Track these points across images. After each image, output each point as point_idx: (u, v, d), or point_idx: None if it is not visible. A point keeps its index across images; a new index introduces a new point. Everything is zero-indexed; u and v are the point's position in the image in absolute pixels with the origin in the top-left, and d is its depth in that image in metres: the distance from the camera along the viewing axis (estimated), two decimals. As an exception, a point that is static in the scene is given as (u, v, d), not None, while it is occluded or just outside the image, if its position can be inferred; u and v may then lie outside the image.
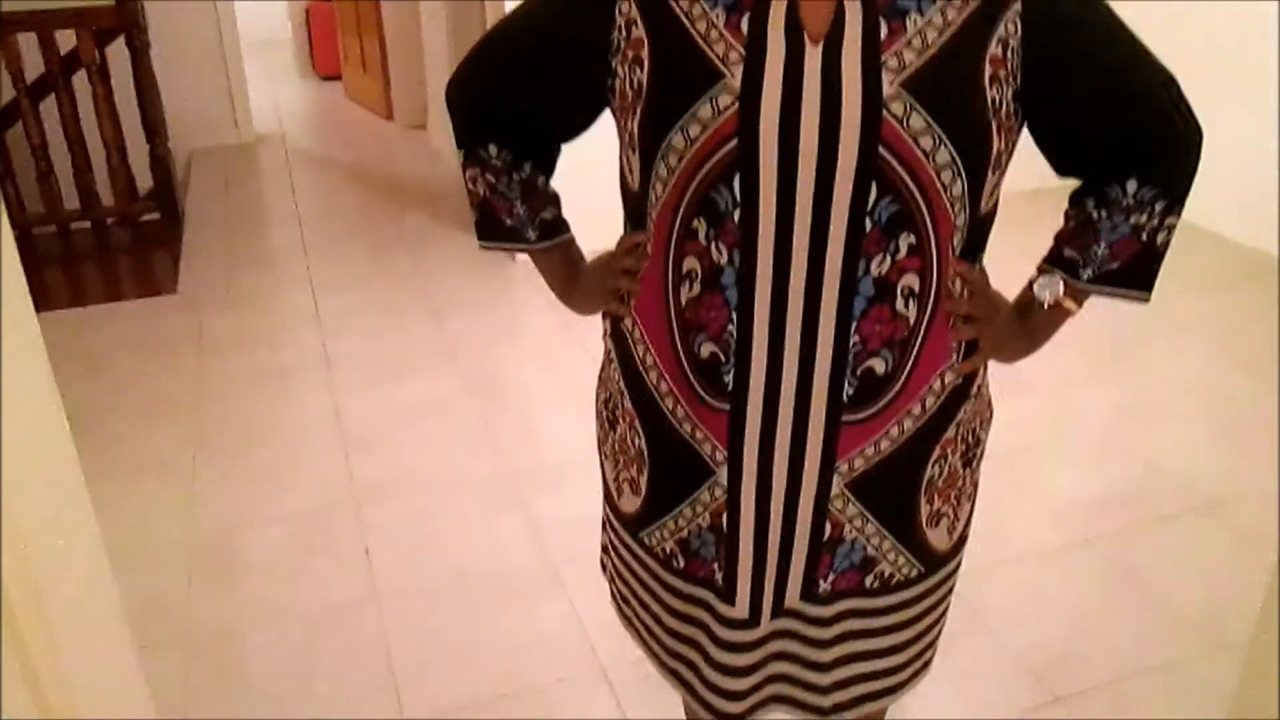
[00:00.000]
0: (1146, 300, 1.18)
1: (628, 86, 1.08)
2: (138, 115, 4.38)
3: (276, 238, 4.49)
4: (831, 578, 1.22)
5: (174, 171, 4.60)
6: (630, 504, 1.29)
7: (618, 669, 2.09)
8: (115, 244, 4.39)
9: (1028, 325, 1.23)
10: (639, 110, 1.07)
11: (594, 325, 1.30)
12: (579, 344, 3.22)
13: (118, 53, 4.27)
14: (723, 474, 1.16)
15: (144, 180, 4.45)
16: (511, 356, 3.38)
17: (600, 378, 1.32)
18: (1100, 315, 3.54)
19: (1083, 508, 2.57)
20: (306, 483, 2.74)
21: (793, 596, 1.22)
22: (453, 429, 2.96)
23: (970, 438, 1.22)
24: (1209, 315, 3.56)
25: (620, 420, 1.26)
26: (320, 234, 4.44)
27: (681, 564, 1.25)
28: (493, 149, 1.23)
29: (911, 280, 1.07)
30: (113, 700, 0.97)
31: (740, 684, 1.27)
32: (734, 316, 1.08)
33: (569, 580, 2.34)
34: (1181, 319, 3.53)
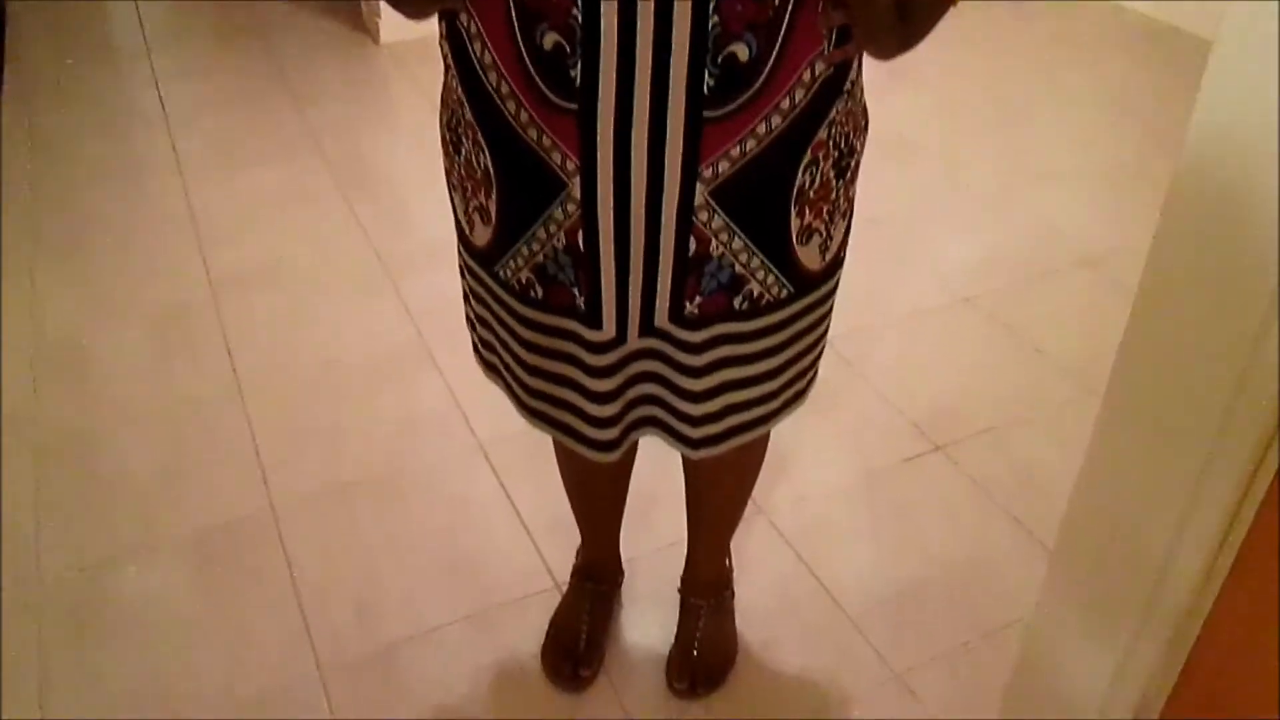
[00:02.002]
0: None
1: None
2: (-63, -109, 3.87)
3: (112, 28, 4.09)
4: (699, 300, 1.13)
5: (-11, -41, 4.12)
6: (482, 236, 1.18)
7: (496, 445, 2.03)
8: (-73, 42, 3.95)
9: (905, 15, 1.12)
10: None
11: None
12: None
13: None
14: (575, 185, 1.05)
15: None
16: (378, 142, 3.16)
17: (442, 97, 1.19)
18: (991, 81, 3.45)
19: (966, 268, 2.55)
20: (159, 279, 2.55)
21: (661, 317, 1.14)
22: (317, 217, 2.77)
23: (844, 144, 1.13)
24: (1097, 80, 3.52)
25: (464, 139, 1.14)
26: (162, 23, 4.05)
27: (540, 293, 1.16)
28: None
29: None
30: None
31: (612, 409, 1.21)
32: (579, -2, 0.95)
33: (444, 361, 2.24)
34: (1070, 85, 3.49)
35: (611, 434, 1.23)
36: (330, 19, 3.90)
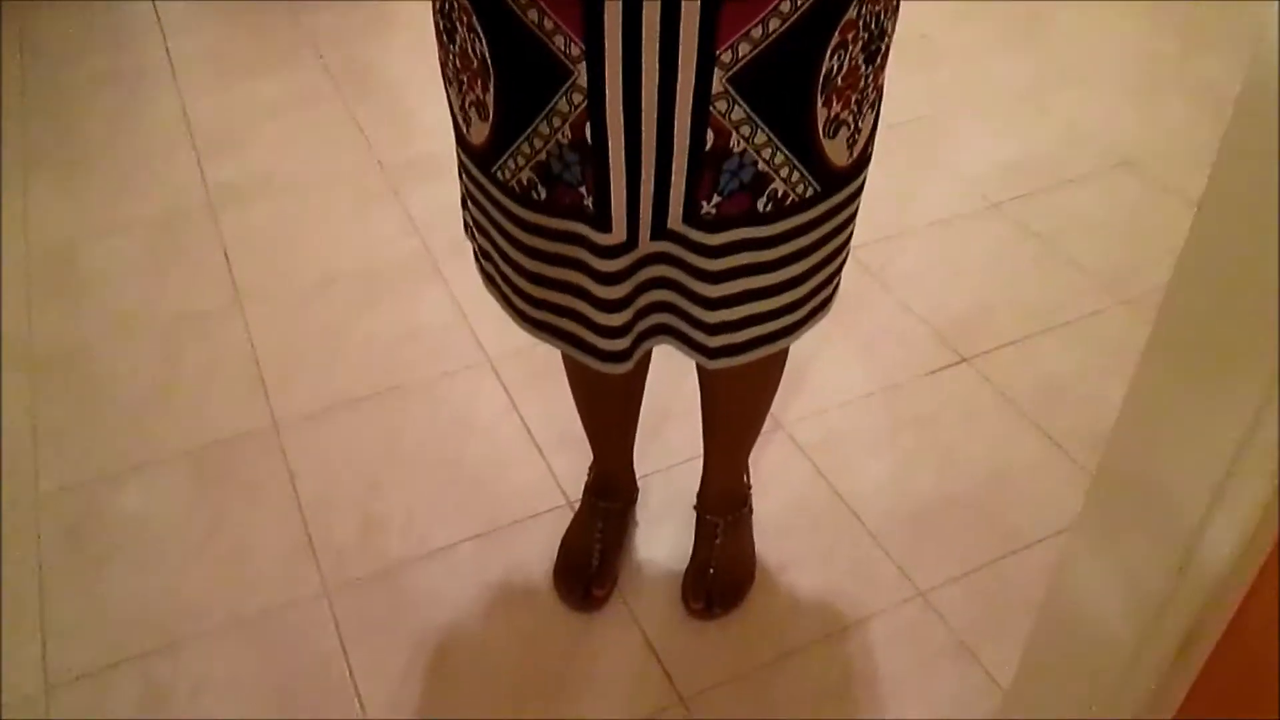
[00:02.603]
0: None
1: None
2: None
3: (104, -66, 3.94)
4: (717, 200, 1.05)
5: None
6: (479, 133, 1.09)
7: (504, 360, 1.96)
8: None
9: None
10: None
11: None
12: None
13: None
14: (581, 73, 0.96)
15: None
16: (378, 49, 3.04)
17: (435, -19, 1.09)
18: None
19: (994, 173, 2.44)
20: (154, 190, 2.46)
21: (675, 218, 1.06)
22: (317, 125, 2.67)
23: (874, 25, 1.03)
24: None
25: (458, 25, 1.04)
26: (155, -73, 3.91)
27: (543, 194, 1.07)
28: None
29: None
30: None
31: (621, 318, 1.13)
32: None
33: (450, 273, 2.16)
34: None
35: (622, 344, 1.16)
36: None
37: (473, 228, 1.24)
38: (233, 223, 2.35)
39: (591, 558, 1.55)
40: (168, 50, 3.05)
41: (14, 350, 2.03)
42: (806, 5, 0.94)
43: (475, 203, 1.19)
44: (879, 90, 1.11)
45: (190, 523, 1.71)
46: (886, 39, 1.07)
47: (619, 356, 1.17)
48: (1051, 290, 2.12)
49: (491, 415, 1.86)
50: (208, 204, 2.40)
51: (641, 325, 1.16)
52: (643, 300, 1.14)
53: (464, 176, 1.20)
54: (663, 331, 1.18)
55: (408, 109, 2.73)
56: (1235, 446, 0.84)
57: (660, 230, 1.06)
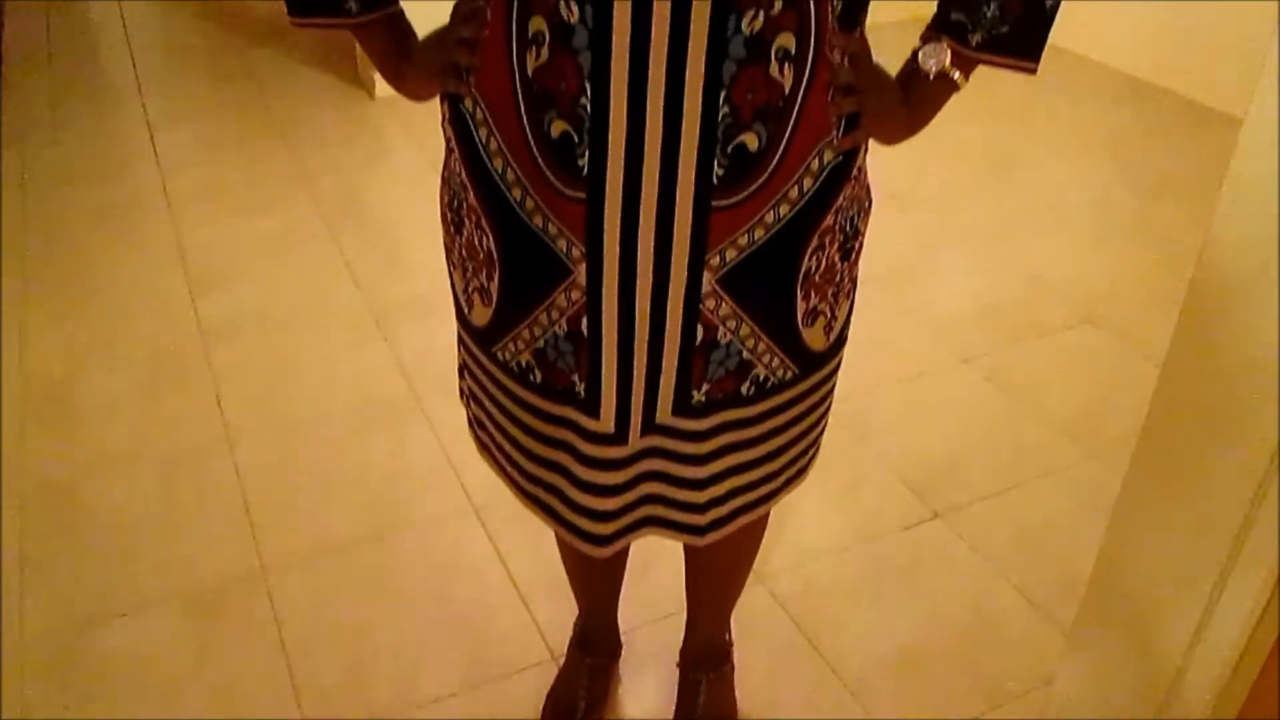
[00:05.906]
0: (1033, 71, 1.06)
1: None
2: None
3: (106, 72, 4.08)
4: (706, 387, 1.11)
5: (-17, -5, 4.11)
6: (481, 316, 1.16)
7: (490, 506, 2.00)
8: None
9: (911, 100, 1.10)
10: None
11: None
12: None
13: None
14: (580, 273, 1.03)
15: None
16: (371, 189, 3.15)
17: (443, 177, 1.17)
18: (981, 131, 3.44)
19: (964, 323, 2.54)
20: (149, 323, 2.53)
21: (665, 410, 1.12)
22: (309, 263, 2.76)
23: (849, 227, 1.12)
24: (1089, 133, 3.53)
25: (466, 220, 1.12)
26: (156, 68, 4.05)
27: (538, 378, 1.13)
28: None
29: (787, 40, 0.93)
30: None
31: (609, 503, 1.18)
32: (588, 87, 0.94)
33: (436, 416, 2.21)
34: (1062, 136, 3.50)
35: (603, 529, 1.20)
36: (324, 71, 3.90)
37: (469, 396, 1.30)
38: (224, 358, 2.40)
39: (577, 713, 1.57)
40: (164, 184, 3.15)
41: (6, 483, 2.05)
42: (788, 215, 1.02)
43: (473, 376, 1.25)
44: (853, 281, 1.19)
45: (176, 665, 1.71)
46: (860, 238, 1.16)
47: (600, 540, 1.21)
48: (1024, 443, 2.19)
49: (477, 564, 1.89)
50: (200, 339, 2.46)
51: (629, 518, 1.21)
52: (633, 494, 1.19)
53: (463, 349, 1.26)
54: (650, 523, 1.23)
55: (398, 251, 2.82)
56: (1212, 588, 0.90)
57: (649, 424, 1.12)
